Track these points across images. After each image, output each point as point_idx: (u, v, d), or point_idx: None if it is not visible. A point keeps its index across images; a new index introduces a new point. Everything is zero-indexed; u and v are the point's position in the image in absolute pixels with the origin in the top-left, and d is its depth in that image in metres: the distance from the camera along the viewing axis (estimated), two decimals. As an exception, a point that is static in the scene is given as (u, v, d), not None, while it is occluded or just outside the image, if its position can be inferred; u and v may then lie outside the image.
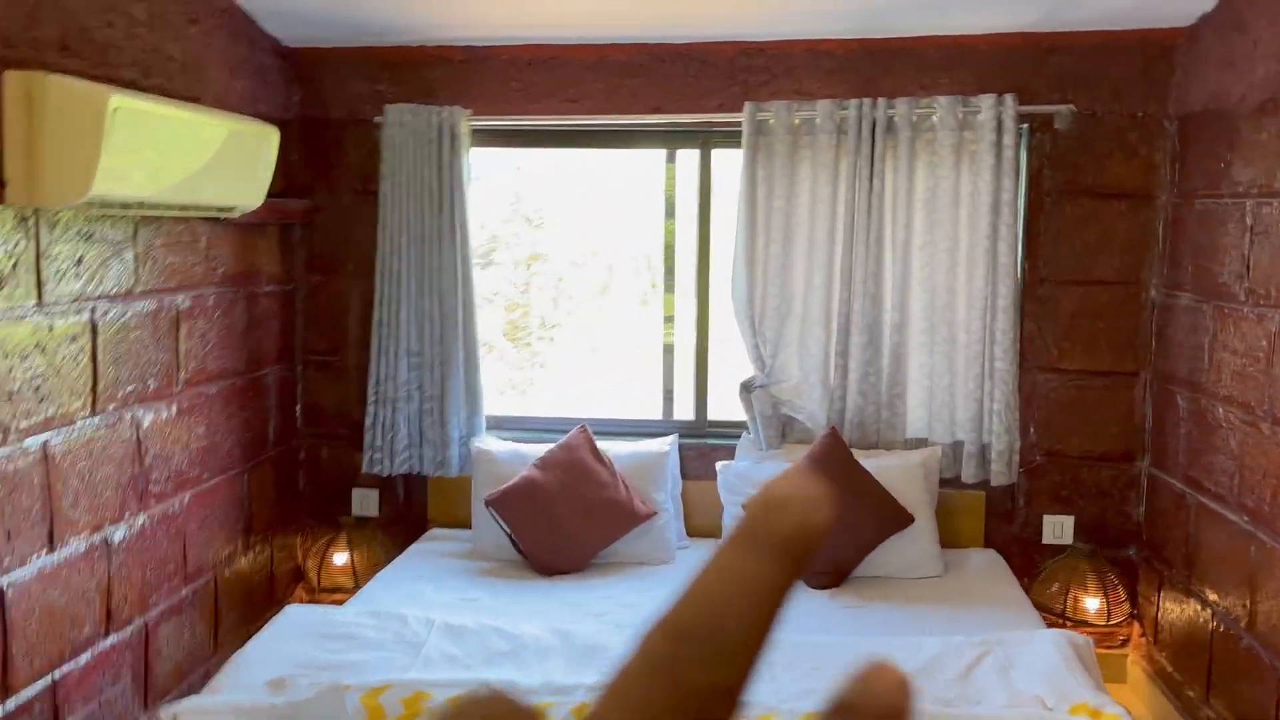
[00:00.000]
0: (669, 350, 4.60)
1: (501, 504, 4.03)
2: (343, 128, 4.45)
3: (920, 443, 4.27)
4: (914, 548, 3.93)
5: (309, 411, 4.61)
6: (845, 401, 4.20)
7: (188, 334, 3.72)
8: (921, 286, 4.17)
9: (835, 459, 3.97)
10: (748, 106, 4.12)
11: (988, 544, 4.28)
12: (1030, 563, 4.28)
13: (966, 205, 4.09)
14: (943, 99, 4.04)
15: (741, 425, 4.52)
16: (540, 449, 4.27)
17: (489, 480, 4.18)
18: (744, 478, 4.13)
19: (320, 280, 4.55)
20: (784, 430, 4.30)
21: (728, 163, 4.39)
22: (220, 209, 3.65)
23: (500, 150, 4.65)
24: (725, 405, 4.50)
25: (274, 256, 4.36)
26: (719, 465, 4.23)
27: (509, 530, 4.03)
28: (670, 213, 4.51)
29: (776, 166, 4.16)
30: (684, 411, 4.63)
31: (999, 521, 4.31)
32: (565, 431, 4.51)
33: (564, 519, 4.00)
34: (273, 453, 4.39)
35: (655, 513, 4.10)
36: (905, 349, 4.19)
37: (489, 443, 4.35)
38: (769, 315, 4.23)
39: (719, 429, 4.54)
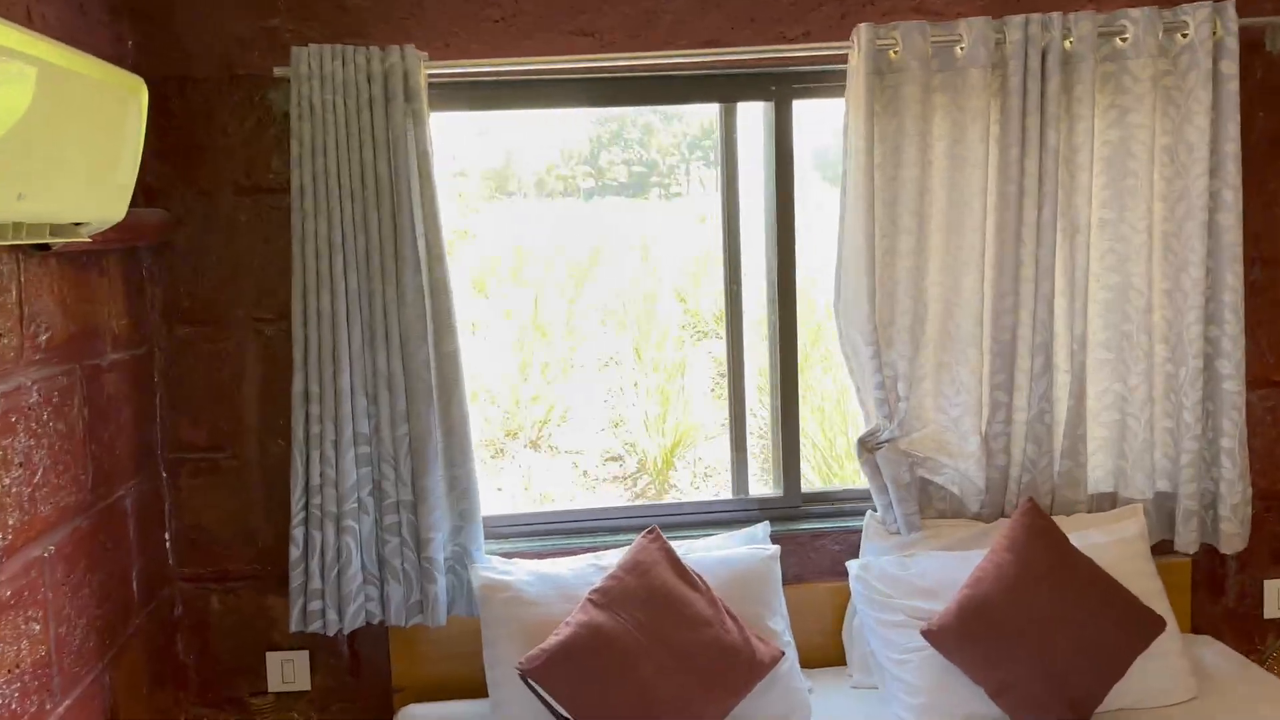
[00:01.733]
0: (736, 394, 3.15)
1: (550, 673, 2.49)
2: (216, 89, 2.76)
3: (1106, 500, 3.02)
4: (1161, 662, 2.67)
5: (185, 542, 2.89)
6: (1010, 454, 2.90)
7: None
8: (1100, 281, 2.91)
9: (1044, 546, 2.65)
10: (862, 30, 2.73)
11: (1195, 626, 3.09)
12: (1247, 643, 3.13)
13: (1168, 164, 2.86)
14: (1136, 12, 2.78)
15: (851, 497, 3.15)
16: (575, 564, 2.77)
17: (510, 628, 2.62)
18: (893, 582, 2.75)
19: (189, 334, 2.84)
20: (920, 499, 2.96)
21: (815, 120, 3.00)
22: (46, 228, 1.97)
23: (474, 115, 3.07)
24: (814, 470, 3.12)
25: (117, 304, 2.64)
26: (854, 566, 2.83)
27: (564, 712, 2.51)
28: (730, 190, 3.06)
29: (907, 120, 2.78)
30: (761, 482, 3.27)
31: (1205, 594, 3.13)
32: (599, 533, 3.02)
33: (653, 684, 2.50)
34: (140, 620, 2.68)
35: (781, 653, 2.67)
36: (1085, 371, 2.92)
37: (498, 567, 2.79)
38: (899, 336, 2.85)
39: (816, 504, 3.15)
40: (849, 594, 2.93)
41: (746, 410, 3.11)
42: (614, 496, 6.31)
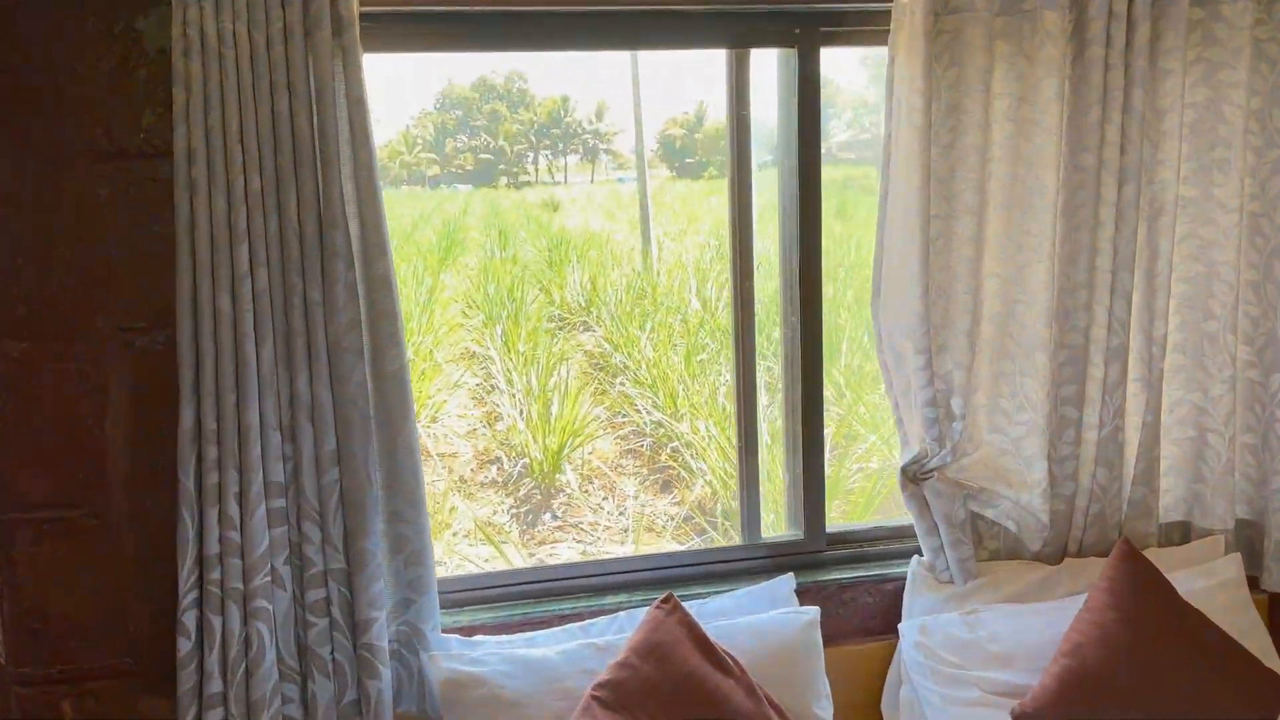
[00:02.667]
0: (749, 416, 2.50)
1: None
2: (58, 14, 2.00)
3: (1176, 531, 2.54)
4: (1279, 733, 2.21)
5: (25, 631, 2.11)
6: (1078, 481, 2.38)
7: None
8: (1178, 273, 2.42)
9: (1151, 599, 2.12)
10: (917, -41, 2.16)
11: None
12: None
13: (1258, 131, 2.37)
14: (1232, -54, 2.30)
15: (883, 536, 2.59)
16: (563, 642, 2.11)
17: (484, 735, 1.98)
18: (961, 648, 2.18)
19: (28, 353, 2.07)
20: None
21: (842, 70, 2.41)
22: None
23: (412, 58, 2.35)
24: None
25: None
26: (910, 630, 2.25)
27: None
28: (742, 162, 2.42)
29: (970, 72, 2.22)
30: (772, 522, 2.68)
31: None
32: (579, 594, 2.38)
33: (685, 807, 1.90)
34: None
35: (834, 749, 2.09)
36: (1162, 381, 2.43)
37: (462, 653, 2.11)
38: (955, 340, 2.29)
39: (842, 547, 2.56)
40: (887, 657, 2.38)
41: (759, 437, 2.50)
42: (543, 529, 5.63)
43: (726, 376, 7.17)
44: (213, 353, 1.93)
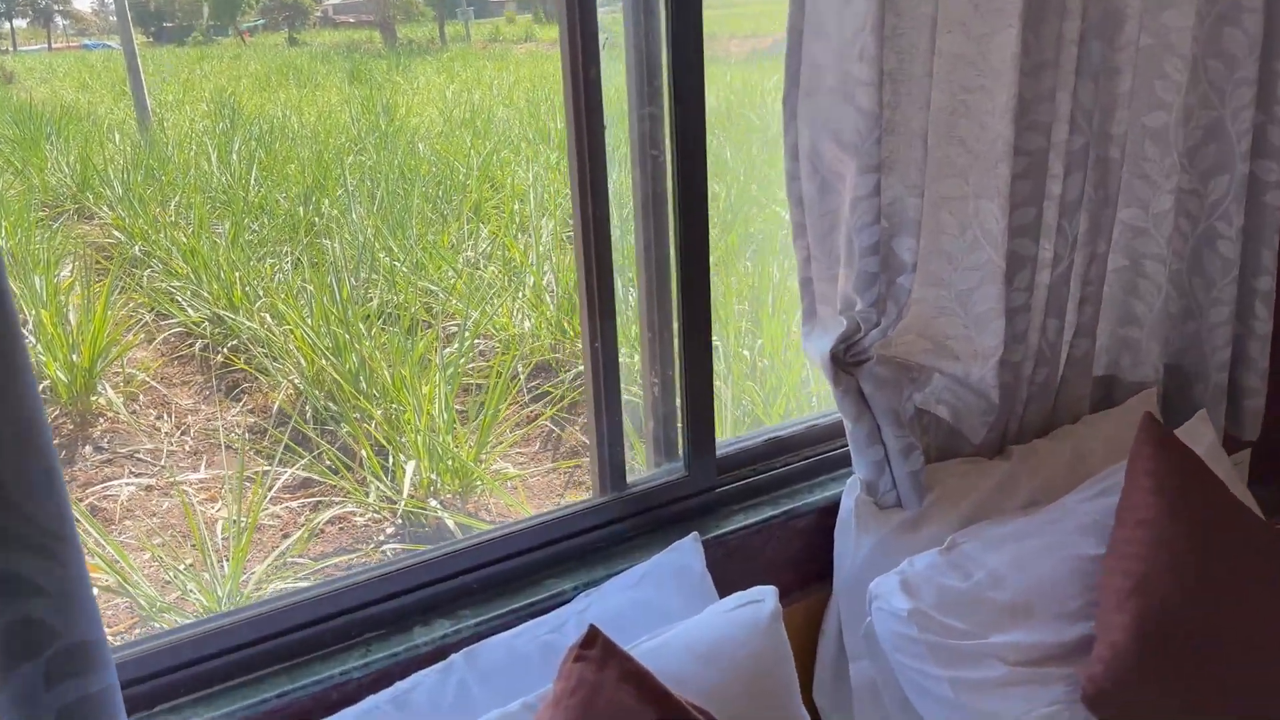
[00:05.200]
0: (603, 311, 1.44)
1: None
2: None
3: (1106, 387, 1.93)
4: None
5: None
6: (1027, 341, 1.67)
7: None
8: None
9: (1205, 498, 1.44)
10: None
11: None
12: None
13: None
14: None
15: (778, 447, 1.72)
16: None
17: None
18: (966, 606, 1.39)
19: None
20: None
21: None
22: None
23: None
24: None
25: None
26: (885, 586, 1.39)
27: None
28: None
29: None
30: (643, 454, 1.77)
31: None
32: (368, 635, 1.31)
33: None
34: None
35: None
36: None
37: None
38: (905, 153, 1.45)
39: (734, 478, 1.66)
40: (812, 624, 1.58)
41: (619, 343, 1.51)
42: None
43: (288, 262, 5.88)
44: None
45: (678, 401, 1.56)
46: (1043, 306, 1.65)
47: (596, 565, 1.45)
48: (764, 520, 1.58)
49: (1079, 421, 1.78)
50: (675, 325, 1.55)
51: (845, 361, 1.48)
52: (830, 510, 1.62)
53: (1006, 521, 1.53)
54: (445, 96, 12.91)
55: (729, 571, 1.52)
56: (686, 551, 1.39)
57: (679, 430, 1.58)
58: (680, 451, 1.60)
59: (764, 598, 1.29)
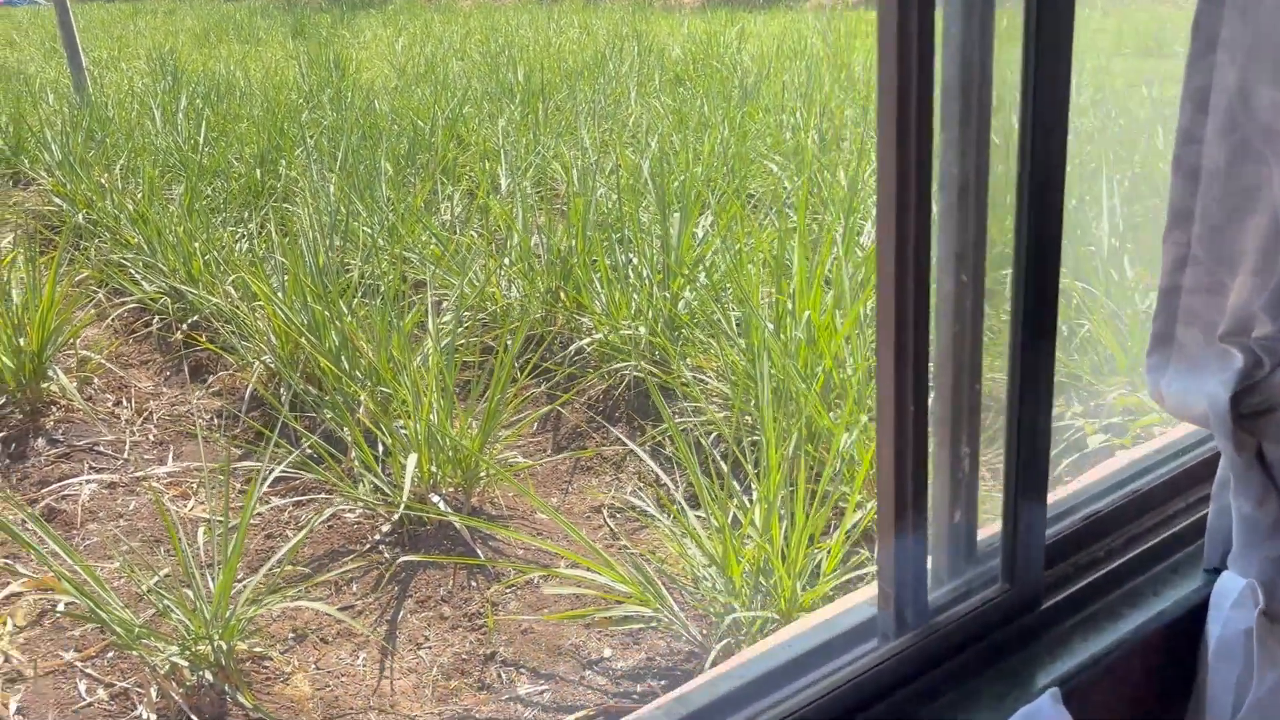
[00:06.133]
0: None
1: None
2: None
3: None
4: None
5: None
6: None
7: None
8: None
9: None
10: None
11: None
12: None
13: None
14: None
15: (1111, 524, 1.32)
16: None
17: None
18: None
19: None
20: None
21: None
22: None
23: None
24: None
25: None
26: None
27: None
28: None
29: None
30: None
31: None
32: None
33: None
34: None
35: None
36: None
37: None
38: None
39: (1066, 586, 1.05)
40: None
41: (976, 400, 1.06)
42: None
43: (250, 229, 5.44)
44: None
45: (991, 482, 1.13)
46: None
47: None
48: (1108, 649, 1.14)
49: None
50: (1006, 364, 1.07)
51: (1240, 414, 1.09)
52: (1184, 623, 1.18)
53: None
54: (395, 51, 12.36)
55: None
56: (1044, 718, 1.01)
57: (985, 522, 1.14)
58: (979, 551, 1.13)
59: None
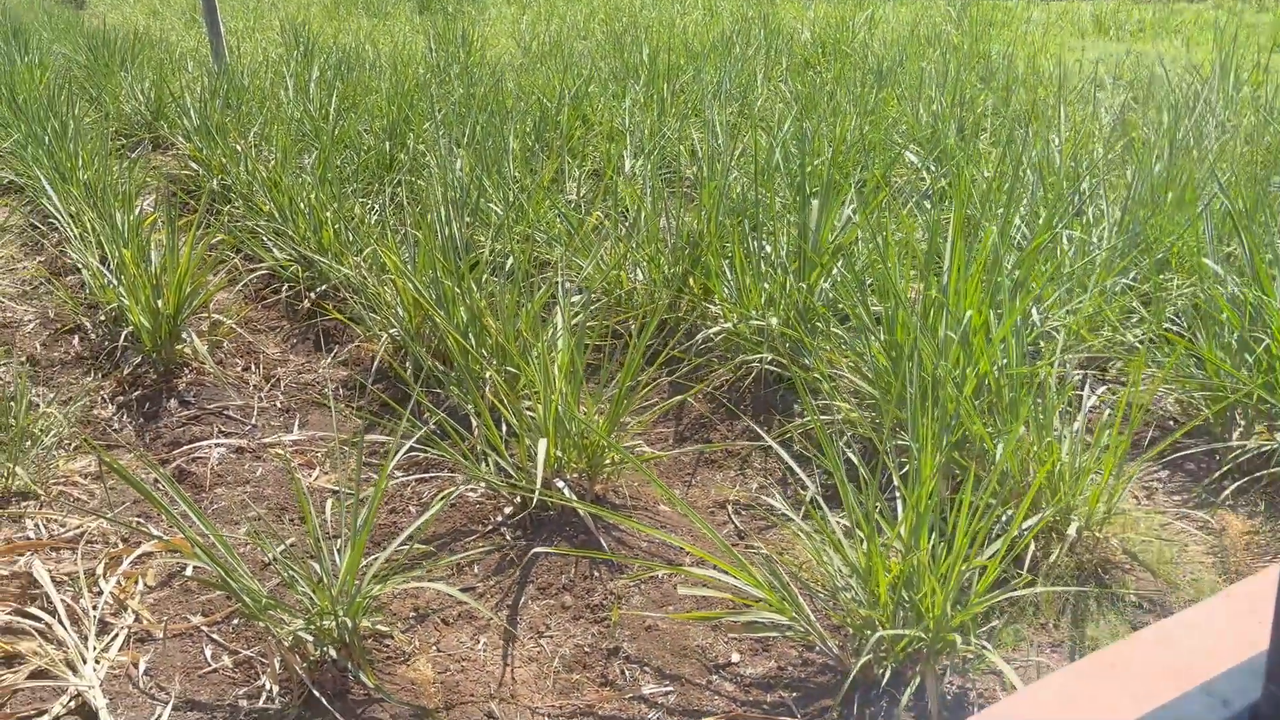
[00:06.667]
0: None
1: None
2: None
3: None
4: None
5: None
6: None
7: None
8: None
9: None
10: None
11: None
12: None
13: None
14: None
15: None
16: None
17: None
18: None
19: None
20: None
21: None
22: None
23: None
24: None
25: None
26: None
27: None
28: None
29: None
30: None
31: None
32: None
33: None
34: None
35: None
36: None
37: None
38: None
39: None
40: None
41: None
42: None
43: (380, 201, 5.44)
44: None
45: None
46: None
47: None
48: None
49: None
50: None
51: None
52: None
53: None
54: (519, 28, 12.35)
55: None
56: None
57: None
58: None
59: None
